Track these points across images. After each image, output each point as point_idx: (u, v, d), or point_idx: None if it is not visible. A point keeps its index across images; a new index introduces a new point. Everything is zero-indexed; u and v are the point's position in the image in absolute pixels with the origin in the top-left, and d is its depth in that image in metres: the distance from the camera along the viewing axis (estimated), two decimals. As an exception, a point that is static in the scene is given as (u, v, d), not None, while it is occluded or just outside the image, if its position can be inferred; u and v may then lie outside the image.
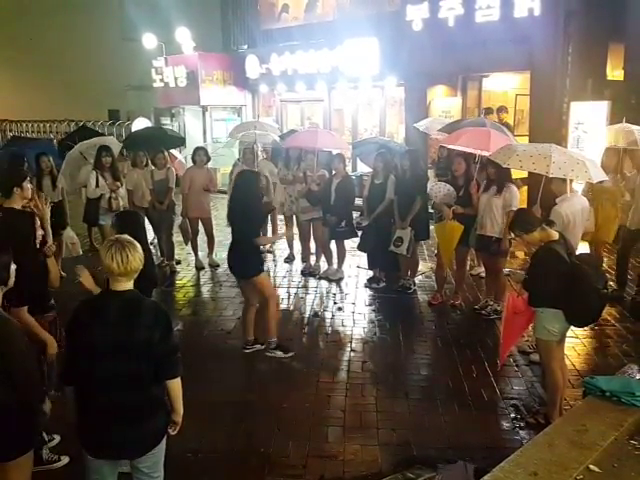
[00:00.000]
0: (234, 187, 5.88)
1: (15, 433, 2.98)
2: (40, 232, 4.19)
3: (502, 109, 11.38)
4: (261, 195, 6.02)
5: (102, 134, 11.47)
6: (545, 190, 5.88)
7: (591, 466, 2.97)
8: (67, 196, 8.67)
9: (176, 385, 3.03)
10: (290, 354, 5.82)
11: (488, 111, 11.77)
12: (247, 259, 5.66)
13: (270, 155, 9.92)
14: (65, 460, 4.08)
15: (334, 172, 8.08)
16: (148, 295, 4.30)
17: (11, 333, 2.94)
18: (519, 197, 6.65)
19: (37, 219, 4.23)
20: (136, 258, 2.93)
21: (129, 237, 3.03)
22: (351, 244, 8.65)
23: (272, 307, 5.81)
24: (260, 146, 9.93)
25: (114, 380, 2.85)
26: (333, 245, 8.36)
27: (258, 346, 5.95)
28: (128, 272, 2.91)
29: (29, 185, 4.54)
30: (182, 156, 11.03)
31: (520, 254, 8.87)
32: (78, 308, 3.00)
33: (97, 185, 8.09)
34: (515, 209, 6.31)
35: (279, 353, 5.80)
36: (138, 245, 3.00)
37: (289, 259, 9.25)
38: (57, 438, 4.18)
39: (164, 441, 3.09)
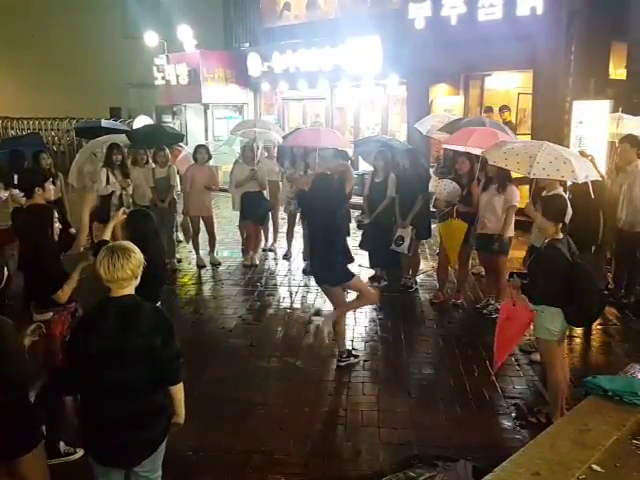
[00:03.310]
0: (314, 191, 5.47)
1: (15, 432, 2.96)
2: (57, 225, 4.18)
3: (504, 108, 11.42)
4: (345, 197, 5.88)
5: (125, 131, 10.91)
6: (537, 187, 5.89)
7: (593, 466, 2.96)
8: (68, 193, 8.65)
9: (178, 390, 3.01)
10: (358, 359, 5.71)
11: (488, 109, 11.80)
12: (334, 263, 5.37)
13: (276, 154, 9.89)
14: (81, 452, 4.08)
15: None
16: (156, 294, 4.28)
17: (4, 331, 2.92)
18: (519, 194, 6.67)
19: (55, 213, 4.22)
20: (125, 267, 2.83)
21: (127, 244, 2.95)
22: (353, 242, 8.61)
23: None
24: (262, 144, 9.91)
25: (114, 388, 2.83)
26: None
27: (352, 359, 5.68)
28: (115, 280, 2.83)
29: (51, 186, 4.54)
30: (188, 149, 10.86)
31: (521, 254, 8.81)
32: (79, 316, 2.99)
33: (108, 182, 8.09)
34: (516, 205, 6.47)
35: (352, 359, 5.64)
36: (134, 254, 2.89)
37: (287, 256, 9.26)
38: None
39: (164, 443, 3.07)
